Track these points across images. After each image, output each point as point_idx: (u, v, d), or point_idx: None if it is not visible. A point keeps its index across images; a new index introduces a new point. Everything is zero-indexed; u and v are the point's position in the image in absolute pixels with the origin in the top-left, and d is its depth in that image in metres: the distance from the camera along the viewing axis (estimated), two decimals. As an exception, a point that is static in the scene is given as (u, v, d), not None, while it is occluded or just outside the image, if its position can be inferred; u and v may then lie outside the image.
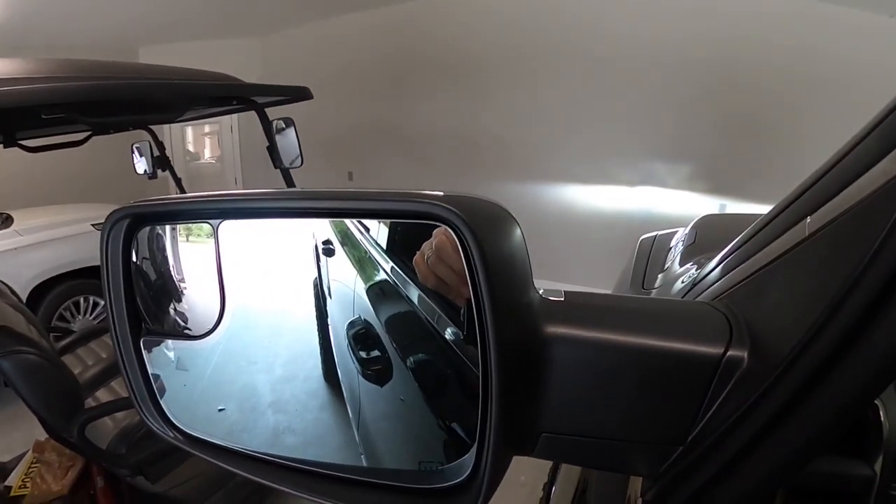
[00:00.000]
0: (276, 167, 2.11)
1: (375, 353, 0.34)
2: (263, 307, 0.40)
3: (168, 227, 0.41)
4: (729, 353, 0.29)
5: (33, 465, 1.76)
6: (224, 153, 6.28)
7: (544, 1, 4.17)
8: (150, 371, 0.41)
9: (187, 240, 0.40)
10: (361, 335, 0.34)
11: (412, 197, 0.29)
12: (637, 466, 0.32)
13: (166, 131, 5.26)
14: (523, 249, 0.30)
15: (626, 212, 4.08)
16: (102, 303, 2.34)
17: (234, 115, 5.11)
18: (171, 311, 0.42)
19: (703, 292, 0.50)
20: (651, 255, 1.15)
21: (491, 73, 4.51)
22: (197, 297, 0.41)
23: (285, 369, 0.39)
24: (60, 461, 1.75)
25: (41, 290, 3.00)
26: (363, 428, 0.35)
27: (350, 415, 0.35)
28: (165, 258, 0.41)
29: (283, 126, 2.10)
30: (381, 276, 0.34)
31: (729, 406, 0.28)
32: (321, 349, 0.36)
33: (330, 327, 0.35)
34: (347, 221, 0.34)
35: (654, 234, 1.31)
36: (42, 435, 1.72)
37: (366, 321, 0.34)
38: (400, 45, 4.98)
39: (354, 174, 5.61)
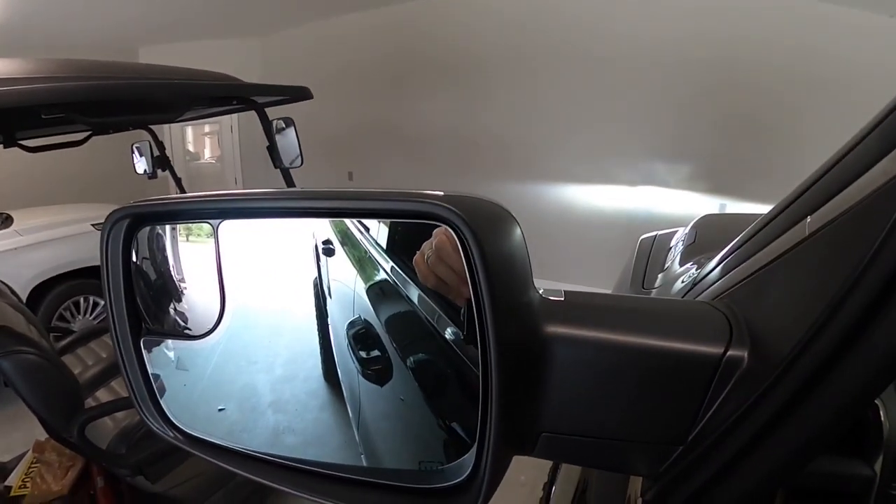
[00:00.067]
0: (276, 167, 2.11)
1: (375, 352, 0.34)
2: (263, 307, 0.40)
3: (168, 227, 0.41)
4: (729, 352, 0.29)
5: (33, 465, 1.76)
6: (224, 153, 6.28)
7: (544, 1, 4.17)
8: (150, 371, 0.41)
9: (187, 240, 0.40)
10: (361, 335, 0.34)
11: (412, 197, 0.29)
12: (637, 466, 0.32)
13: (166, 131, 5.26)
14: (523, 249, 0.30)
15: (626, 212, 4.08)
16: (102, 303, 2.34)
17: (234, 115, 5.11)
18: (171, 311, 0.42)
19: (703, 292, 0.50)
20: (651, 254, 1.15)
21: (491, 73, 4.51)
22: (197, 297, 0.41)
23: (285, 369, 0.39)
24: (60, 461, 1.75)
25: (41, 290, 3.00)
26: (363, 428, 0.35)
27: (350, 414, 0.35)
28: (165, 258, 0.41)
29: (283, 126, 2.10)
30: (381, 275, 0.34)
31: (729, 406, 0.28)
32: (321, 349, 0.36)
33: (330, 327, 0.35)
34: (347, 221, 0.34)
35: (654, 233, 1.31)
36: (42, 435, 1.72)
37: (366, 321, 0.34)
38: (400, 45, 4.98)
39: (354, 174, 5.61)
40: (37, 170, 4.11)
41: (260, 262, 0.39)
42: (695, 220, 1.21)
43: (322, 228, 0.35)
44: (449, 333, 0.30)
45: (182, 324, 0.41)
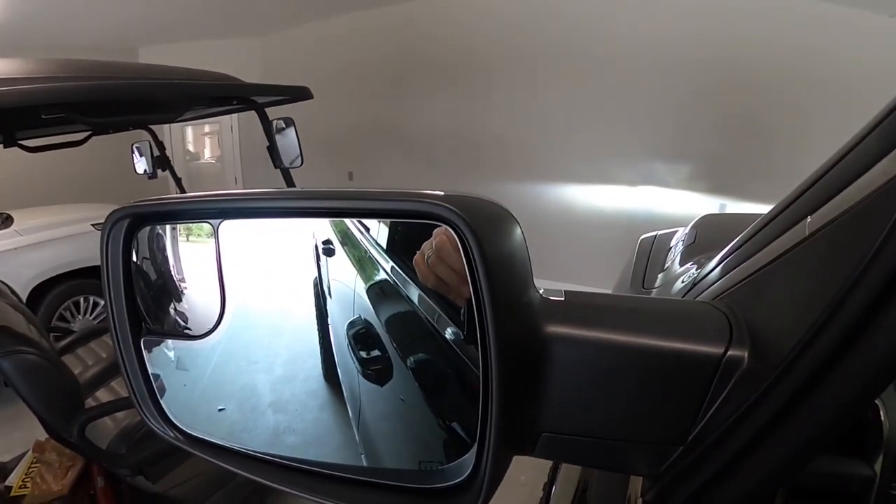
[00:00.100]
0: (276, 167, 2.11)
1: (375, 352, 0.34)
2: (264, 307, 0.40)
3: (168, 227, 0.41)
4: (729, 352, 0.29)
5: (33, 465, 1.76)
6: (224, 153, 6.28)
7: (544, 1, 4.17)
8: (150, 371, 0.41)
9: (187, 240, 0.40)
10: (361, 335, 0.34)
11: (412, 196, 0.29)
12: (637, 466, 0.32)
13: (166, 131, 5.26)
14: (523, 249, 0.30)
15: (627, 211, 4.08)
16: (102, 303, 2.34)
17: (234, 115, 5.11)
18: (172, 311, 0.42)
19: (703, 292, 0.50)
20: (651, 254, 1.15)
21: (491, 73, 4.51)
22: (197, 297, 0.41)
23: (285, 369, 0.39)
24: (60, 461, 1.75)
25: (41, 290, 3.00)
26: (363, 428, 0.35)
27: (350, 414, 0.35)
28: (166, 258, 0.41)
29: (283, 126, 2.10)
30: (382, 275, 0.34)
31: (729, 406, 0.28)
32: (321, 349, 0.36)
33: (330, 327, 0.35)
34: (347, 221, 0.34)
35: (654, 233, 1.31)
36: (42, 435, 1.72)
37: (366, 321, 0.34)
38: (400, 45, 4.98)
39: (354, 174, 5.61)
40: (37, 170, 4.11)
41: (260, 262, 0.39)
42: (695, 220, 1.21)
43: (322, 228, 0.35)
44: (449, 333, 0.30)
45: (182, 324, 0.41)
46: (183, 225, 0.41)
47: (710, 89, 3.65)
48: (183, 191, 2.96)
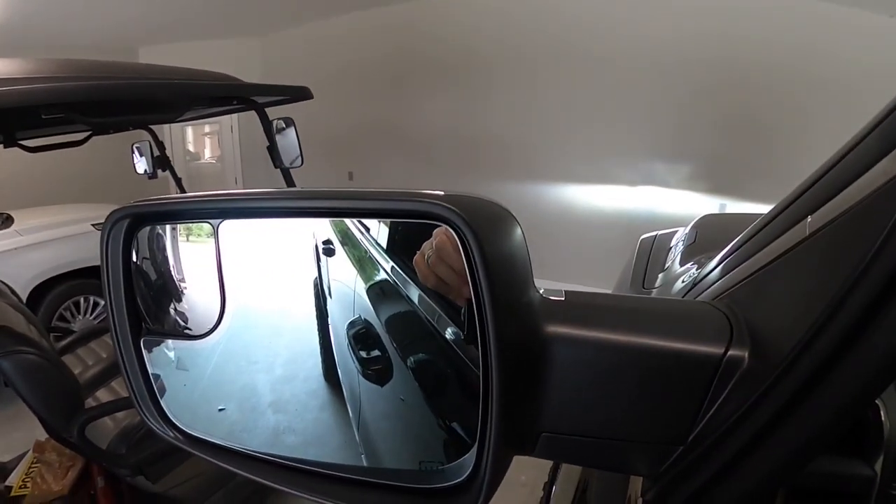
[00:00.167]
0: (276, 167, 2.11)
1: (375, 352, 0.34)
2: (264, 307, 0.40)
3: (168, 227, 0.41)
4: (729, 352, 0.29)
5: (34, 465, 1.76)
6: (224, 153, 6.28)
7: (544, 1, 4.17)
8: (150, 371, 0.41)
9: (187, 240, 0.40)
10: (362, 335, 0.34)
11: (412, 196, 0.29)
12: (637, 466, 0.32)
13: (166, 131, 5.26)
14: (524, 249, 0.30)
15: (627, 211, 4.08)
16: (102, 303, 2.34)
17: (234, 115, 5.11)
18: (172, 311, 0.42)
19: (703, 292, 0.50)
20: (651, 254, 1.15)
21: (491, 73, 4.51)
22: (197, 297, 0.41)
23: (285, 369, 0.39)
24: (61, 461, 1.75)
25: (41, 290, 3.00)
26: (363, 428, 0.35)
27: (350, 414, 0.35)
28: (166, 258, 0.41)
29: (284, 126, 2.10)
30: (382, 275, 0.34)
31: (729, 406, 0.28)
32: (321, 349, 0.36)
33: (330, 327, 0.35)
34: (347, 221, 0.34)
35: (654, 233, 1.31)
36: (42, 435, 1.72)
37: (366, 321, 0.34)
38: (400, 45, 4.98)
39: (354, 174, 5.61)
40: (37, 170, 4.11)
41: (260, 262, 0.39)
42: (695, 220, 1.21)
43: (322, 228, 0.35)
44: (449, 333, 0.30)
45: (182, 324, 0.42)
46: (183, 225, 0.41)
47: (710, 89, 3.65)
48: (183, 191, 2.96)
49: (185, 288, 0.42)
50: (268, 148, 2.06)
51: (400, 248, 0.32)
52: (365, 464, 0.35)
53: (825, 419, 0.25)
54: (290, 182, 2.18)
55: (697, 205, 3.64)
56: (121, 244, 0.39)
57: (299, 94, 2.06)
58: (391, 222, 0.33)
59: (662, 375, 0.29)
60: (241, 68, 2.56)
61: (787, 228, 0.34)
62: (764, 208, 0.45)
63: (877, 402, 0.41)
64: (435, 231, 0.29)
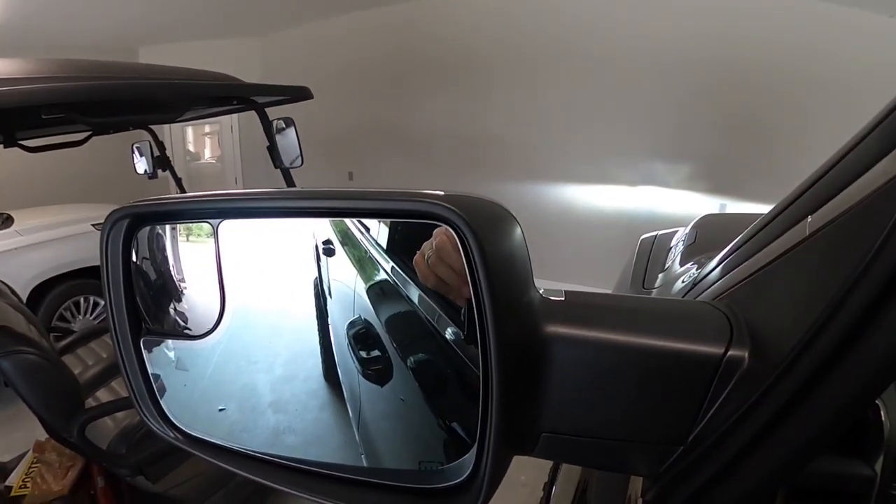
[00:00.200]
0: (276, 167, 2.11)
1: (375, 352, 0.34)
2: (264, 307, 0.40)
3: (168, 227, 0.41)
4: (729, 352, 0.29)
5: (34, 465, 1.76)
6: (224, 153, 6.28)
7: (544, 1, 4.17)
8: (150, 371, 0.41)
9: (187, 240, 0.40)
10: (362, 335, 0.34)
11: (412, 196, 0.29)
12: (637, 466, 0.32)
13: (166, 131, 5.26)
14: (524, 249, 0.30)
15: (627, 211, 4.08)
16: (102, 303, 2.34)
17: (235, 115, 5.11)
18: (171, 311, 0.42)
19: (703, 292, 0.50)
20: (651, 254, 1.15)
21: (491, 73, 4.51)
22: (197, 297, 0.41)
23: (285, 369, 0.39)
24: (61, 461, 1.75)
25: (41, 291, 3.00)
26: (363, 428, 0.35)
27: (350, 414, 0.35)
28: (165, 258, 0.41)
29: (284, 126, 2.10)
30: (382, 275, 0.34)
31: (729, 406, 0.28)
32: (321, 349, 0.36)
33: (330, 327, 0.35)
34: (348, 221, 0.34)
35: (654, 233, 1.31)
36: (42, 435, 1.72)
37: (366, 321, 0.34)
38: (400, 45, 4.98)
39: (354, 174, 5.61)
40: (37, 170, 4.11)
41: (260, 262, 0.39)
42: (695, 220, 1.21)
43: (322, 228, 0.35)
44: (449, 333, 0.30)
45: (182, 324, 0.41)
46: (183, 225, 0.41)
47: (710, 89, 3.65)
48: (183, 191, 2.96)
49: (185, 288, 0.42)
50: (268, 148, 2.06)
51: (400, 248, 0.32)
52: (365, 464, 0.35)
53: (825, 419, 0.25)
54: (290, 182, 2.18)
55: (697, 205, 3.64)
56: (120, 244, 0.39)
57: (299, 94, 2.06)
58: (391, 222, 0.33)
59: (662, 375, 0.29)
60: (241, 68, 2.56)
61: (787, 228, 0.34)
62: (764, 208, 0.45)
63: (877, 402, 0.41)
64: (435, 231, 0.29)
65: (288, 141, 2.10)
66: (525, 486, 1.46)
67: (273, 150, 2.06)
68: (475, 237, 0.27)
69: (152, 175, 2.74)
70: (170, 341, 0.42)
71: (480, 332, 0.27)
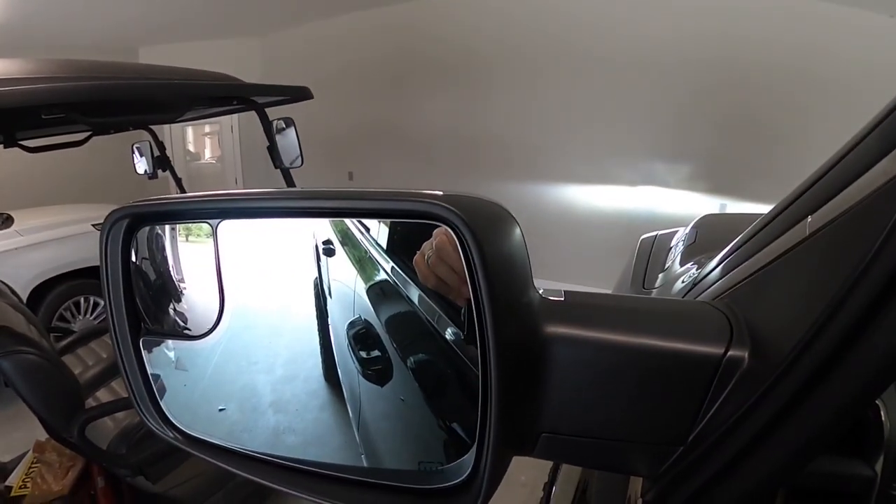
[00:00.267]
0: (276, 167, 2.11)
1: (375, 353, 0.34)
2: (264, 307, 0.40)
3: (167, 227, 0.41)
4: (729, 353, 0.29)
5: (34, 465, 1.76)
6: (224, 153, 6.28)
7: (544, 1, 4.17)
8: (149, 371, 0.41)
9: (187, 240, 0.40)
10: (362, 335, 0.34)
11: (412, 197, 0.29)
12: (637, 467, 0.32)
13: (166, 131, 5.26)
14: (523, 249, 0.30)
15: (627, 211, 4.08)
16: (102, 303, 2.32)
17: (235, 115, 5.11)
18: (171, 311, 0.42)
19: (703, 292, 0.50)
20: (651, 254, 1.15)
21: (491, 73, 4.51)
22: (196, 297, 0.41)
23: (286, 369, 0.39)
24: (61, 461, 1.75)
25: (41, 291, 3.00)
26: (363, 428, 0.35)
27: (350, 415, 0.35)
28: (165, 258, 0.41)
29: (284, 126, 2.10)
30: (382, 275, 0.34)
31: (729, 406, 0.28)
32: (321, 349, 0.36)
33: (330, 327, 0.35)
34: (347, 221, 0.34)
35: (654, 233, 1.31)
36: (42, 435, 1.72)
37: (366, 321, 0.34)
38: (400, 45, 4.98)
39: (354, 174, 5.61)
40: (37, 170, 4.11)
41: (260, 262, 0.39)
42: (695, 220, 1.21)
43: (322, 228, 0.35)
44: (449, 334, 0.30)
45: (182, 324, 0.41)
46: (182, 225, 0.41)
47: (710, 89, 3.65)
48: (183, 191, 2.96)
49: (185, 288, 0.42)
50: (268, 148, 2.06)
51: (400, 248, 0.32)
52: (365, 464, 0.35)
53: (825, 419, 0.25)
54: (290, 182, 2.18)
55: (697, 205, 3.64)
56: (120, 244, 0.39)
57: (299, 94, 2.06)
58: (391, 222, 0.33)
59: (662, 376, 0.29)
60: (241, 68, 2.56)
61: (787, 228, 0.34)
62: (764, 208, 0.45)
63: (877, 402, 0.41)
64: (435, 231, 0.29)
65: (288, 141, 2.10)
66: (525, 486, 1.46)
67: (273, 150, 2.06)
68: (474, 237, 0.27)
69: (152, 175, 2.74)
70: (169, 341, 0.42)
71: (480, 333, 0.27)
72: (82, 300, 3.19)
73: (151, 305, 0.42)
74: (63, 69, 1.41)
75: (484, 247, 0.26)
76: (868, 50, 3.06)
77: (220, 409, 0.42)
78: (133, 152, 2.73)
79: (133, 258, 0.40)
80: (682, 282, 0.75)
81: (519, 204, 4.01)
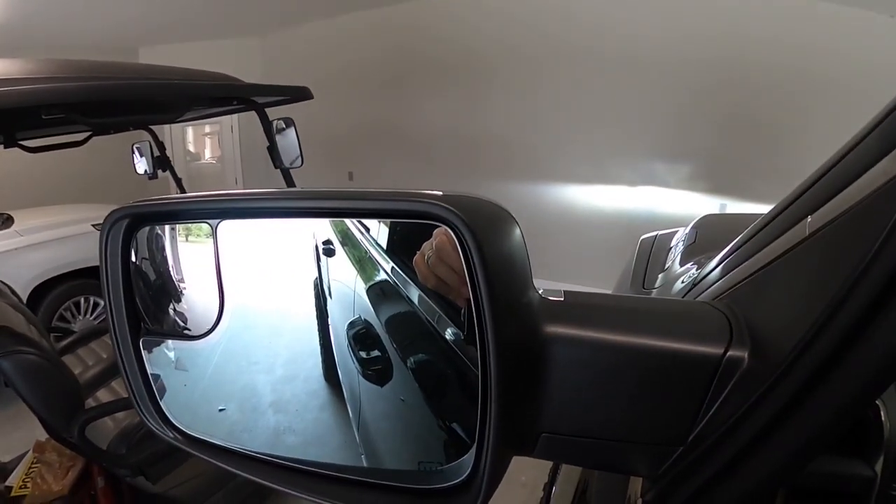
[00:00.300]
0: (276, 167, 2.11)
1: (375, 353, 0.34)
2: (264, 307, 0.40)
3: (167, 227, 0.41)
4: (729, 353, 0.29)
5: (34, 466, 1.76)
6: (224, 153, 6.28)
7: (544, 1, 4.18)
8: (149, 371, 0.41)
9: (186, 240, 0.40)
10: (362, 335, 0.34)
11: (412, 197, 0.29)
12: (637, 467, 0.32)
13: (166, 131, 5.26)
14: (523, 249, 0.30)
15: (627, 212, 4.08)
16: (102, 303, 2.32)
17: (235, 115, 5.11)
18: (171, 311, 0.42)
19: (703, 292, 0.50)
20: (651, 254, 1.15)
21: (491, 74, 4.51)
22: (196, 297, 0.41)
23: (286, 369, 0.39)
24: (61, 461, 1.75)
25: (41, 291, 3.00)
26: (363, 428, 0.35)
27: (350, 415, 0.35)
28: (165, 258, 0.41)
29: (284, 126, 2.10)
30: (382, 276, 0.34)
31: (729, 406, 0.28)
32: (321, 349, 0.36)
33: (330, 327, 0.35)
34: (348, 221, 0.34)
35: (654, 233, 1.31)
36: (42, 435, 1.72)
37: (366, 321, 0.34)
38: (400, 45, 4.98)
39: (354, 174, 5.61)
40: (37, 170, 4.11)
41: (260, 263, 0.39)
42: (695, 221, 1.21)
43: (322, 228, 0.35)
44: (449, 334, 0.30)
45: (181, 324, 0.41)
46: (182, 225, 0.41)
47: (710, 89, 3.65)
48: (183, 191, 2.96)
49: (185, 288, 0.42)
50: (268, 148, 2.06)
51: (400, 248, 0.32)
52: (365, 464, 0.35)
53: (825, 419, 0.25)
54: (290, 182, 2.18)
55: (697, 205, 3.64)
56: (120, 244, 0.39)
57: (299, 94, 2.06)
58: (391, 223, 0.33)
59: (662, 376, 0.29)
60: (241, 68, 2.56)
61: (787, 228, 0.34)
62: (764, 208, 0.45)
63: (877, 402, 0.41)
64: (435, 231, 0.29)
65: (288, 141, 2.10)
66: (525, 486, 1.46)
67: (273, 150, 2.06)
68: (474, 238, 0.27)
69: (152, 175, 2.74)
70: (169, 341, 0.42)
71: (480, 333, 0.27)
72: (82, 300, 3.19)
73: (151, 305, 0.42)
74: (63, 69, 1.41)
75: (484, 247, 0.26)
76: (868, 50, 3.06)
77: (220, 410, 0.42)
78: (133, 152, 2.73)
79: (133, 258, 0.40)
80: (682, 282, 0.75)
81: (519, 204, 4.01)
